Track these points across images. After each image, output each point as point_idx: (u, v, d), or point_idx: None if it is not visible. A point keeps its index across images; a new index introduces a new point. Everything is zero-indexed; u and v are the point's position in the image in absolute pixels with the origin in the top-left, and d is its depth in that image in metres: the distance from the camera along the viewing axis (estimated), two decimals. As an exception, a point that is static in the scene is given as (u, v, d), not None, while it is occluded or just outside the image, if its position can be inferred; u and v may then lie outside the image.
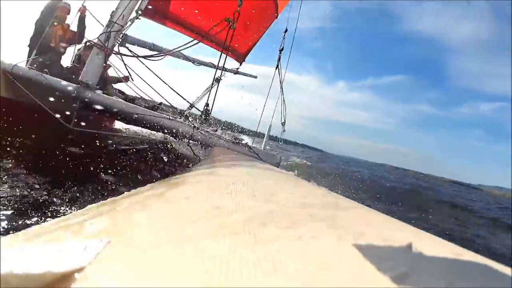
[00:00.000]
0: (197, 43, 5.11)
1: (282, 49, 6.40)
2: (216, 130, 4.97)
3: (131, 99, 6.05)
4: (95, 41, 4.51)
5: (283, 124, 6.13)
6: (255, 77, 8.00)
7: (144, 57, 4.72)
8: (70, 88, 4.05)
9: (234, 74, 7.66)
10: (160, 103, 6.20)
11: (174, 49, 5.32)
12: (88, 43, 5.31)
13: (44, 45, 5.50)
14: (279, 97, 6.12)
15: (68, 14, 6.06)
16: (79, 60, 6.26)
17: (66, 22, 6.11)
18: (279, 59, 6.34)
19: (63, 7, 5.84)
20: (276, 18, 6.93)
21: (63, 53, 6.05)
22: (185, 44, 5.04)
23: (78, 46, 6.35)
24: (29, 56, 5.76)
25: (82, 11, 5.67)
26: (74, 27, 6.06)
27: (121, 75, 6.93)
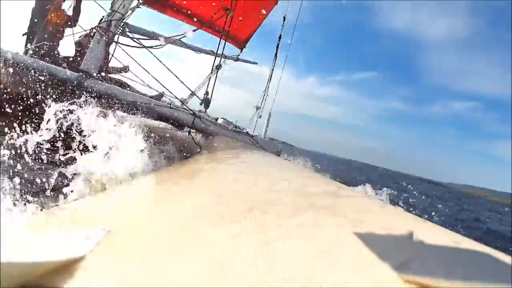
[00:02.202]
0: (196, 29, 5.05)
1: (280, 36, 6.23)
2: (217, 119, 4.94)
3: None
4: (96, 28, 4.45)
5: (258, 108, 5.95)
6: (256, 63, 7.87)
7: (146, 47, 4.66)
8: (71, 76, 4.01)
9: (235, 61, 7.54)
10: (162, 93, 6.17)
11: (174, 36, 5.25)
12: (90, 31, 5.23)
13: (41, 33, 5.45)
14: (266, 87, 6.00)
15: (64, 1, 5.99)
16: (80, 47, 6.20)
17: (62, 7, 6.03)
18: (277, 47, 6.19)
19: None
20: (276, 4, 6.79)
21: (60, 39, 5.99)
22: (184, 32, 4.97)
23: (77, 33, 6.27)
24: (26, 45, 5.70)
25: None
26: (70, 11, 5.97)
27: (120, 65, 6.89)
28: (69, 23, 6.04)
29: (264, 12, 6.90)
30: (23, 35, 5.89)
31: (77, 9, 5.98)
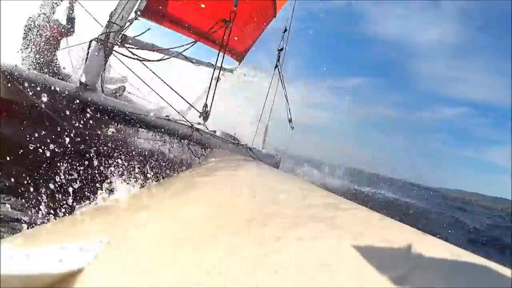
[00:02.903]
0: (195, 42, 5.09)
1: (282, 49, 6.29)
2: (216, 131, 4.95)
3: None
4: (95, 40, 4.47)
5: (290, 121, 6.04)
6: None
7: (144, 59, 4.69)
8: (69, 88, 4.00)
9: (233, 72, 7.61)
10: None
11: (172, 48, 5.29)
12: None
13: (36, 46, 5.51)
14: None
15: (54, 13, 6.04)
16: None
17: (55, 18, 6.07)
18: (278, 59, 6.24)
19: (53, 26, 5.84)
20: (275, 17, 6.88)
21: (56, 50, 6.02)
22: (183, 45, 5.01)
23: (75, 45, 6.27)
24: (23, 59, 5.73)
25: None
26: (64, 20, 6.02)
27: (119, 76, 6.96)
28: (65, 32, 6.06)
29: (264, 23, 6.98)
30: (18, 52, 5.90)
31: (71, 18, 6.00)
